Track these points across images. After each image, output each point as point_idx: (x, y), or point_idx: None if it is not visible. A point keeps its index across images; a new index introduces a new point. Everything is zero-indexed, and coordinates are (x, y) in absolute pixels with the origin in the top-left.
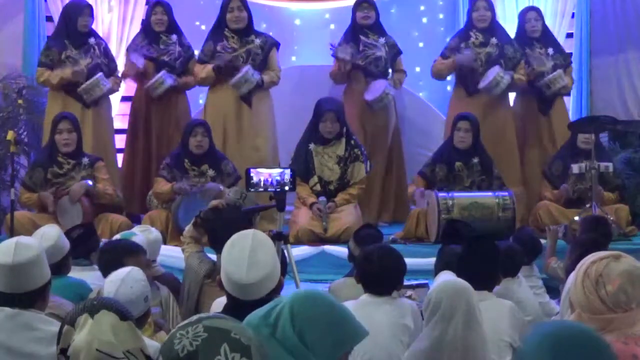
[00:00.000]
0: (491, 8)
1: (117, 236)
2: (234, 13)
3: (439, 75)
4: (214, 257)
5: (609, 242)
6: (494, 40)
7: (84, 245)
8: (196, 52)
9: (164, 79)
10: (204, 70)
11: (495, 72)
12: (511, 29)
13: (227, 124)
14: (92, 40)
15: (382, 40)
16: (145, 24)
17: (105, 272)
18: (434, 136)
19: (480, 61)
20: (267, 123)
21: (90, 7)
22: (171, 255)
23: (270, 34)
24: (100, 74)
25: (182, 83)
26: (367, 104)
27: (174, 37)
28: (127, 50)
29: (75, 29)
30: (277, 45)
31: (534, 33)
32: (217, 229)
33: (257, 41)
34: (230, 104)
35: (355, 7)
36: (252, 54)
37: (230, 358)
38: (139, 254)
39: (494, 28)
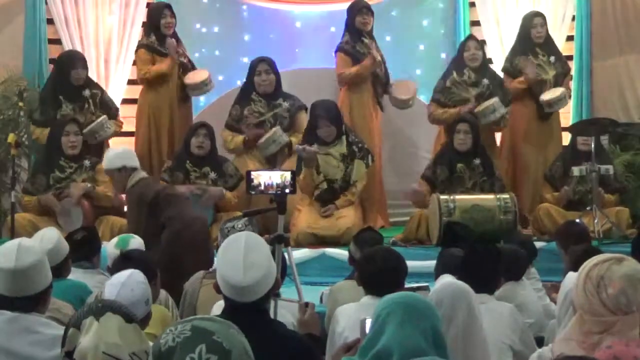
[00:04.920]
0: (482, 48)
1: (114, 239)
2: (262, 76)
3: (438, 123)
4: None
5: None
6: (485, 81)
7: (86, 248)
8: (196, 55)
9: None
10: (233, 141)
11: (493, 100)
12: (506, 32)
13: None
14: (86, 92)
15: (374, 44)
16: None
17: None
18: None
19: (471, 102)
20: None
21: (83, 59)
22: None
23: (271, 37)
24: (103, 116)
25: None
26: (397, 102)
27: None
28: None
29: (68, 82)
30: (305, 108)
31: (538, 39)
32: None
33: (285, 104)
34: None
35: (356, 12)
36: (279, 117)
37: (205, 358)
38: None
39: (485, 68)
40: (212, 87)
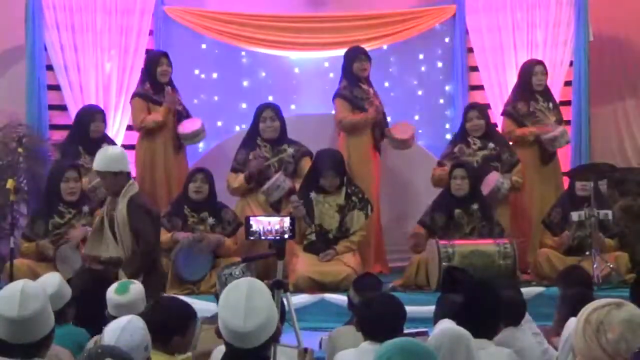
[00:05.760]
0: (484, 115)
1: (114, 285)
2: (267, 123)
3: (439, 184)
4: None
5: (592, 289)
6: (491, 144)
7: None
8: (195, 101)
9: None
10: (237, 180)
11: (494, 179)
12: (503, 77)
13: None
14: (104, 146)
15: (371, 90)
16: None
17: None
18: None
19: (477, 163)
20: None
21: (103, 113)
22: None
23: (269, 82)
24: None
25: None
26: (396, 143)
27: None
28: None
29: (87, 135)
30: (309, 154)
31: (538, 87)
32: None
33: (290, 150)
34: (259, 212)
35: (353, 58)
36: (284, 163)
37: None
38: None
39: (490, 133)
40: (205, 136)
